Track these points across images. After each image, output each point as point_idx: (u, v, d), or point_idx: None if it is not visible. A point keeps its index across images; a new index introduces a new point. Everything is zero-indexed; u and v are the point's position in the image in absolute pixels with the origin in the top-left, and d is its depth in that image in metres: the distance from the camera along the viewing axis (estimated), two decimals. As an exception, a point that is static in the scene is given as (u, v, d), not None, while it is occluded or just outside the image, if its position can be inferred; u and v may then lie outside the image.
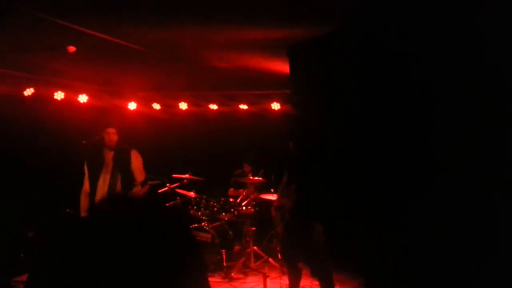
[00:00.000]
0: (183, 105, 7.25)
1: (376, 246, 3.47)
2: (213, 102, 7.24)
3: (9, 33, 3.96)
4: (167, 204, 5.74)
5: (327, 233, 4.05)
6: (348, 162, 3.57)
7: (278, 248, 5.31)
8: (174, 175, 5.93)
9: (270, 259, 5.51)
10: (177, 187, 5.89)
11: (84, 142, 4.17)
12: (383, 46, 3.13)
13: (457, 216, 2.81)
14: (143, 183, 4.34)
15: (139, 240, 1.43)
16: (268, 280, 4.73)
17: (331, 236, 4.05)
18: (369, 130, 3.54)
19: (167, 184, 5.83)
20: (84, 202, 4.28)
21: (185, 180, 5.89)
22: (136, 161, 4.43)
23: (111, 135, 4.33)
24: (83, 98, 6.20)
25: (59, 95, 5.97)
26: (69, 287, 1.34)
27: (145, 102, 7.25)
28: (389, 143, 3.40)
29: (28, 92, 5.60)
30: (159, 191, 5.82)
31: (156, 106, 7.39)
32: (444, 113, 2.92)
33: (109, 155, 4.34)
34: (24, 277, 4.83)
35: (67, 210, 4.43)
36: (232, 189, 6.19)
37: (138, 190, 4.32)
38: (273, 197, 5.31)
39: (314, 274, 4.20)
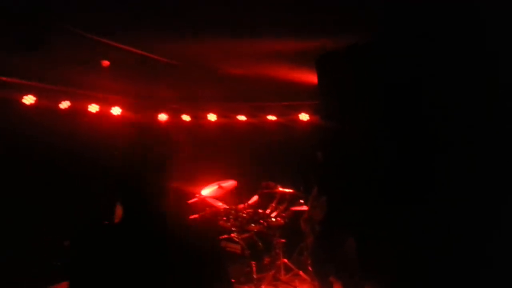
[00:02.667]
0: (212, 116, 7.32)
1: (411, 260, 3.36)
2: (241, 113, 7.28)
3: (47, 48, 4.13)
4: (196, 215, 5.78)
5: (360, 246, 3.96)
6: (379, 172, 3.49)
7: (308, 261, 5.24)
8: (202, 186, 5.97)
9: (300, 272, 5.43)
10: (206, 197, 5.93)
11: (115, 152, 4.27)
12: (413, 57, 3.07)
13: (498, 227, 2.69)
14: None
15: (168, 249, 1.44)
16: (298, 293, 4.66)
17: (363, 249, 3.96)
18: (399, 140, 3.46)
19: (196, 195, 5.88)
20: (119, 211, 4.35)
21: (215, 192, 5.92)
22: None
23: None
24: (116, 111, 6.37)
25: (93, 108, 6.16)
26: None
27: (175, 113, 7.37)
28: (420, 153, 3.31)
29: (64, 104, 5.80)
30: (189, 201, 5.87)
31: (186, 117, 7.49)
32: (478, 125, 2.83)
33: None
34: (61, 285, 4.95)
35: (105, 222, 4.50)
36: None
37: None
38: (303, 208, 5.25)
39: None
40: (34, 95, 5.46)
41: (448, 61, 2.86)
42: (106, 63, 4.55)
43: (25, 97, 5.40)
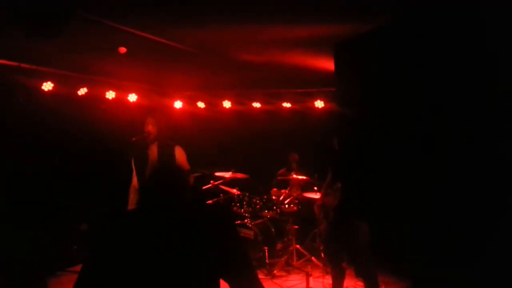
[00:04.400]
0: (227, 104, 7.35)
1: (425, 247, 3.36)
2: (256, 100, 7.29)
3: (65, 35, 4.18)
4: (210, 201, 5.85)
5: (373, 233, 3.98)
6: (395, 160, 3.48)
7: (321, 247, 5.28)
8: (217, 173, 6.03)
9: (313, 258, 5.48)
10: (221, 184, 5.99)
11: (133, 139, 4.33)
12: (433, 42, 3.02)
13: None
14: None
15: (186, 235, 1.47)
16: (311, 279, 4.71)
17: (377, 236, 3.98)
18: (416, 128, 3.43)
19: (211, 181, 5.95)
20: (133, 197, 4.44)
21: (228, 178, 5.98)
22: (181, 156, 4.53)
23: (149, 125, 4.43)
24: (132, 97, 6.44)
25: (110, 95, 6.24)
26: (118, 276, 1.41)
27: (190, 100, 7.42)
28: (438, 141, 3.28)
29: (82, 91, 5.89)
30: (204, 187, 5.94)
31: (201, 104, 7.54)
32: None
33: (154, 150, 4.48)
34: (77, 268, 5.10)
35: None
36: (275, 189, 6.21)
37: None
38: (316, 195, 5.28)
39: (359, 275, 4.14)
40: (53, 81, 5.55)
41: (472, 45, 2.80)
42: (123, 49, 4.59)
43: (44, 83, 5.50)
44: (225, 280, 1.50)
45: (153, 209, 1.53)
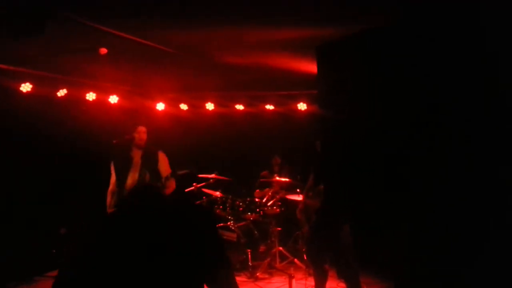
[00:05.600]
0: (210, 106, 7.32)
1: (406, 248, 3.41)
2: (239, 103, 7.28)
3: (45, 35, 4.10)
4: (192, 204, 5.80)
5: (355, 235, 4.01)
6: (377, 162, 3.52)
7: (304, 249, 5.29)
8: (200, 175, 6.00)
9: (295, 260, 5.50)
10: (203, 186, 5.96)
11: (114, 141, 4.27)
12: (416, 46, 3.07)
13: (499, 217, 2.73)
14: (171, 175, 4.38)
15: (167, 235, 1.46)
16: (293, 281, 4.71)
17: (358, 238, 4.01)
18: (398, 131, 3.48)
19: (194, 184, 5.91)
20: (110, 199, 4.38)
21: (211, 180, 5.95)
22: (163, 162, 4.51)
23: (141, 133, 4.43)
24: (113, 99, 6.35)
25: (90, 96, 6.14)
26: (98, 279, 1.39)
27: (173, 102, 7.36)
28: (419, 143, 3.33)
29: (61, 93, 5.78)
30: (186, 190, 5.90)
31: (184, 106, 7.49)
32: (482, 115, 2.84)
33: (137, 154, 4.43)
34: (56, 272, 4.98)
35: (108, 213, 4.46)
36: (258, 190, 6.22)
37: (170, 181, 4.37)
38: (299, 197, 5.30)
39: (341, 276, 4.18)
40: (31, 82, 5.44)
41: (453, 50, 2.85)
42: (103, 50, 4.52)
43: (22, 84, 5.38)
44: (205, 283, 1.49)
45: (133, 212, 1.50)
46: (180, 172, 4.37)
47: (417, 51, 2.97)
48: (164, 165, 4.50)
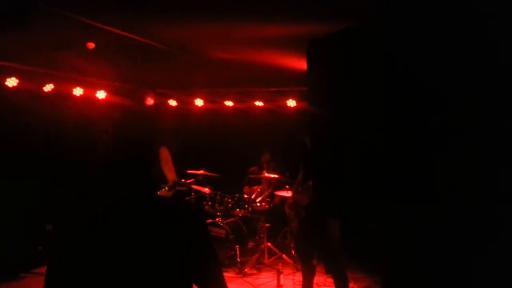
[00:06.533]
0: (199, 102, 7.30)
1: (393, 243, 3.44)
2: (228, 99, 7.27)
3: (30, 30, 4.04)
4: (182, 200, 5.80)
5: (342, 230, 4.05)
6: (366, 158, 3.54)
7: (292, 245, 5.33)
8: (188, 171, 5.99)
9: (284, 256, 5.53)
10: (192, 183, 5.95)
11: (103, 136, 4.23)
12: (407, 41, 3.07)
13: (489, 215, 2.77)
14: (170, 187, 4.34)
15: (155, 231, 1.45)
16: (281, 276, 4.75)
17: (346, 233, 4.05)
18: (388, 127, 3.51)
19: (182, 180, 5.89)
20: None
21: (200, 176, 5.94)
22: (166, 157, 4.46)
23: None
24: (101, 95, 6.30)
25: (77, 91, 6.08)
26: (84, 277, 1.38)
27: (161, 98, 7.32)
28: (409, 140, 3.36)
29: (48, 88, 5.71)
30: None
31: (173, 102, 7.46)
32: (473, 114, 2.87)
33: None
34: (42, 269, 4.94)
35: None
36: (246, 187, 6.22)
37: (163, 193, 4.32)
38: (287, 194, 5.32)
39: (328, 271, 4.21)
40: (17, 77, 5.36)
41: (447, 47, 2.87)
42: (91, 45, 4.48)
43: (8, 79, 5.30)
44: (193, 281, 1.49)
45: (120, 204, 1.49)
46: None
47: (409, 47, 2.98)
48: (167, 161, 4.41)
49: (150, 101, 7.03)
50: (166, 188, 4.30)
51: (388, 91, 3.39)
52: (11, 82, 5.32)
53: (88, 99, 6.21)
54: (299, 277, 4.39)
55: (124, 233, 1.40)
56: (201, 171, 5.92)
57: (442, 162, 3.11)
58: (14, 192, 5.21)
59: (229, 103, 7.28)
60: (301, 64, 5.10)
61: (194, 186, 5.97)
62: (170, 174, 4.39)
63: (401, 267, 3.48)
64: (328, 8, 3.39)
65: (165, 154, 4.46)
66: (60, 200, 5.24)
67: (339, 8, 3.36)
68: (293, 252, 5.21)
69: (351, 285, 4.09)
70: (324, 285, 4.67)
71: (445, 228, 3.08)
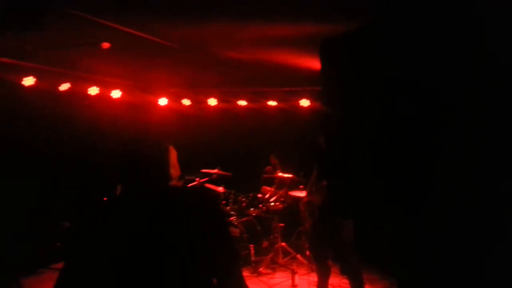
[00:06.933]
0: (212, 101, 7.30)
1: (410, 245, 3.39)
2: (242, 99, 7.26)
3: (46, 30, 4.09)
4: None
5: (357, 231, 4.00)
6: (381, 158, 3.49)
7: (306, 245, 5.30)
8: (203, 170, 6.00)
9: (298, 256, 5.49)
10: (206, 182, 5.95)
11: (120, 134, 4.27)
12: (423, 40, 3.02)
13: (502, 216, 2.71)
14: (179, 178, 4.41)
15: (168, 224, 1.45)
16: (296, 276, 4.73)
17: (361, 234, 4.00)
18: (403, 127, 3.46)
19: (196, 178, 5.91)
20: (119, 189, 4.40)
21: (214, 175, 5.95)
22: (172, 156, 4.52)
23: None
24: (116, 94, 6.34)
25: (93, 91, 6.13)
26: (97, 268, 1.38)
27: (175, 98, 7.35)
28: (425, 140, 3.31)
29: (64, 87, 5.77)
30: (189, 185, 5.89)
31: (186, 102, 7.48)
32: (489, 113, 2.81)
33: None
34: (60, 265, 5.01)
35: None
36: (264, 186, 6.20)
37: (175, 183, 4.39)
38: (302, 193, 5.29)
39: (344, 272, 4.17)
40: (34, 76, 5.43)
41: (467, 44, 2.80)
42: (106, 45, 4.51)
43: (24, 78, 5.38)
44: (212, 275, 1.47)
45: (133, 196, 1.49)
46: (189, 177, 4.37)
47: (426, 44, 2.92)
48: (172, 159, 4.50)
49: (164, 101, 7.07)
50: (176, 180, 4.37)
51: (403, 90, 3.34)
52: (28, 81, 5.39)
53: (103, 98, 6.27)
54: (314, 277, 4.36)
55: (143, 223, 1.39)
56: (215, 170, 5.92)
57: (460, 160, 3.05)
58: (31, 189, 5.28)
59: (242, 103, 7.27)
60: (315, 63, 5.07)
61: (208, 185, 5.98)
62: (174, 171, 4.46)
63: (414, 270, 3.43)
64: (342, 7, 3.34)
65: (172, 152, 4.54)
66: (76, 197, 5.31)
67: (353, 7, 3.31)
68: (307, 252, 5.18)
69: (366, 286, 4.03)
70: (340, 286, 4.63)
71: (445, 228, 3.03)
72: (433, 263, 3.20)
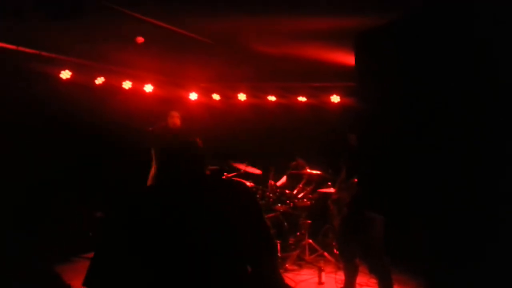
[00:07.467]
0: (242, 96, 7.32)
1: (440, 244, 3.30)
2: (271, 94, 7.24)
3: (82, 23, 4.19)
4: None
5: (387, 230, 3.92)
6: (417, 155, 3.40)
7: (334, 243, 5.24)
8: (232, 163, 6.03)
9: (325, 253, 5.45)
10: (234, 176, 5.98)
11: (150, 128, 4.35)
12: (460, 33, 2.91)
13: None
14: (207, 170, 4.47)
15: (207, 212, 1.45)
16: (323, 274, 4.69)
17: (391, 233, 3.92)
18: (439, 125, 3.36)
19: (225, 174, 5.94)
20: (150, 183, 4.49)
21: (242, 170, 5.97)
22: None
23: (175, 118, 4.53)
24: (148, 88, 6.46)
25: (126, 84, 6.26)
26: (132, 255, 1.40)
27: (205, 92, 7.41)
28: (460, 139, 3.20)
29: (99, 80, 5.92)
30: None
31: (216, 96, 7.52)
32: None
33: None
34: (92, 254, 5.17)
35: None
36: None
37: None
38: (330, 190, 5.23)
39: (372, 271, 4.10)
40: (70, 70, 5.59)
41: (500, 38, 2.69)
42: (140, 39, 4.58)
43: (62, 72, 5.54)
44: (247, 262, 1.47)
45: (172, 184, 1.51)
46: (212, 168, 4.41)
47: (464, 37, 2.81)
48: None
49: (194, 95, 7.14)
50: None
51: (441, 86, 3.23)
52: (65, 74, 5.56)
53: (136, 92, 6.39)
54: (341, 276, 4.31)
55: (179, 211, 1.41)
56: (243, 165, 5.94)
57: (496, 159, 2.93)
58: (66, 179, 5.45)
59: (272, 98, 7.25)
60: (347, 58, 4.98)
61: (237, 179, 6.00)
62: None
63: (449, 269, 3.33)
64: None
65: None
66: (110, 187, 5.44)
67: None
68: (335, 250, 5.13)
69: (395, 286, 3.95)
70: (367, 285, 4.56)
71: (489, 226, 2.92)
72: (472, 263, 3.09)
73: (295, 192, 5.78)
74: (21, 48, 4.96)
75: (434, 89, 3.17)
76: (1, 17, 3.65)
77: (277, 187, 5.78)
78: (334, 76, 6.30)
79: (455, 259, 3.23)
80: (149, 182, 4.51)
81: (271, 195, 5.77)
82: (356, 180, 4.05)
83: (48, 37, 4.64)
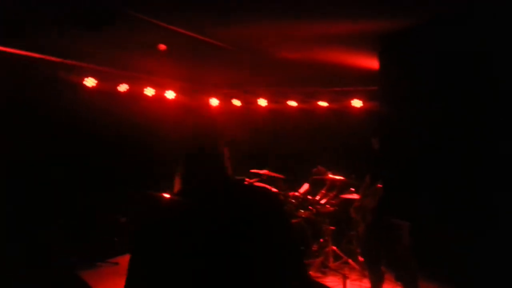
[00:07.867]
0: (262, 102, 7.32)
1: (469, 251, 3.20)
2: (291, 99, 7.22)
3: (107, 32, 4.27)
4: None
5: (413, 236, 3.83)
6: (442, 160, 3.32)
7: (358, 250, 5.15)
8: (252, 170, 6.01)
9: (349, 260, 5.36)
10: (256, 182, 5.96)
11: (174, 135, 4.37)
12: (486, 36, 2.84)
13: None
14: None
15: (234, 218, 1.44)
16: (347, 281, 4.61)
17: (417, 240, 3.83)
18: (464, 130, 3.27)
19: (246, 179, 5.93)
20: (177, 186, 4.51)
21: (263, 176, 5.94)
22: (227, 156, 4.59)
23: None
24: (170, 95, 6.53)
25: (149, 91, 6.34)
26: (162, 263, 1.40)
27: (226, 98, 7.44)
28: (484, 142, 3.11)
29: (123, 88, 6.01)
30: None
31: (237, 102, 7.54)
32: None
33: None
34: (117, 259, 5.23)
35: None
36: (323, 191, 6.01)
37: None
38: (353, 196, 5.15)
39: (398, 279, 4.01)
40: (95, 78, 5.70)
41: None
42: (162, 47, 4.64)
43: (86, 79, 5.66)
44: (274, 270, 1.44)
45: (197, 191, 1.51)
46: (239, 178, 4.35)
47: (492, 41, 2.75)
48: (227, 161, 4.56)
49: (215, 101, 7.18)
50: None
51: (466, 90, 3.14)
52: (89, 82, 5.67)
53: (159, 99, 6.47)
54: (366, 283, 4.23)
55: (207, 217, 1.40)
56: (265, 171, 5.91)
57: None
58: (91, 185, 5.54)
59: (292, 103, 7.22)
60: (369, 62, 4.92)
61: (259, 184, 5.98)
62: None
63: (479, 278, 3.22)
64: (403, 1, 3.21)
65: (226, 152, 4.59)
66: (135, 193, 5.50)
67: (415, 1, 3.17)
68: (359, 257, 5.04)
69: (422, 295, 3.86)
70: (393, 293, 4.45)
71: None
72: (493, 270, 2.99)
73: (317, 198, 5.71)
74: (46, 56, 5.09)
75: (459, 92, 3.10)
76: (38, 29, 3.77)
77: (300, 194, 5.74)
78: (355, 80, 6.23)
79: (481, 268, 3.13)
80: (176, 184, 4.52)
81: (293, 201, 5.72)
82: (380, 185, 3.97)
83: (72, 46, 4.74)
